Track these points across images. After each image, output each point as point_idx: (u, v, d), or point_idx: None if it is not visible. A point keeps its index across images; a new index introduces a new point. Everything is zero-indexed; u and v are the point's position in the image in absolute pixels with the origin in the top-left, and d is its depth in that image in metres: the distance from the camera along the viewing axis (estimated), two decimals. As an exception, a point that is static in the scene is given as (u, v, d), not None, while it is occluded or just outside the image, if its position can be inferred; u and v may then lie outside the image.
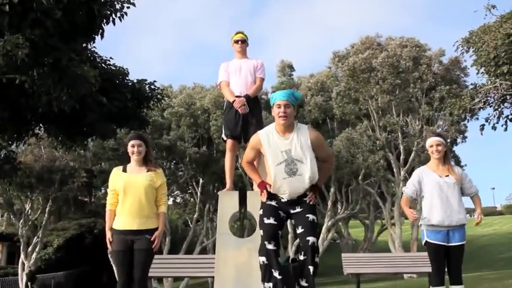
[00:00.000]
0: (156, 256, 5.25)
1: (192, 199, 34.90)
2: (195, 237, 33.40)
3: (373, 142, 28.18)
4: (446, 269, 5.26)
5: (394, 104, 28.21)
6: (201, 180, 31.29)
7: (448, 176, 5.31)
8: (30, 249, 27.35)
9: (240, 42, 6.46)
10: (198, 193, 31.39)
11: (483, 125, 15.60)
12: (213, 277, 6.12)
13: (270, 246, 4.26)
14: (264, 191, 4.58)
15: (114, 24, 12.67)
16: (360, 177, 29.22)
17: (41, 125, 15.17)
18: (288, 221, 4.82)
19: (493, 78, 14.61)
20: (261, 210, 4.57)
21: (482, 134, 15.72)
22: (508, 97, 15.27)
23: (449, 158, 5.53)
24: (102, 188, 35.48)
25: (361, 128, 28.65)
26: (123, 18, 12.72)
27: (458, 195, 5.31)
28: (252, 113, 6.15)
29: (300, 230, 4.39)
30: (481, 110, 16.65)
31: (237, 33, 6.53)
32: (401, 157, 28.37)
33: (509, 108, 15.63)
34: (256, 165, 5.03)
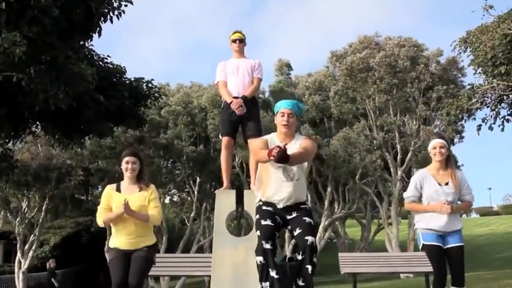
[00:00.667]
0: (152, 255, 5.22)
1: (189, 198, 34.89)
2: (191, 236, 33.39)
3: (370, 142, 28.20)
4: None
5: (392, 104, 28.23)
6: (198, 179, 31.27)
7: (447, 184, 5.25)
8: (26, 247, 27.28)
9: (237, 41, 6.42)
10: (195, 192, 31.37)
11: (480, 125, 15.63)
12: (209, 276, 6.12)
13: (267, 246, 4.26)
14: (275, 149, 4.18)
15: (111, 22, 12.68)
16: (357, 177, 29.24)
17: (38, 122, 15.15)
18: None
19: (490, 78, 14.63)
20: (257, 215, 4.57)
21: (479, 134, 15.75)
22: (505, 97, 15.30)
23: (451, 161, 5.47)
24: (99, 186, 35.46)
25: (359, 128, 28.66)
26: (120, 16, 12.72)
27: (456, 203, 5.31)
28: (250, 113, 6.15)
29: (297, 231, 4.39)
30: (478, 110, 16.69)
31: (234, 32, 6.49)
32: (399, 157, 28.39)
33: (506, 108, 15.67)
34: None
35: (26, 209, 27.95)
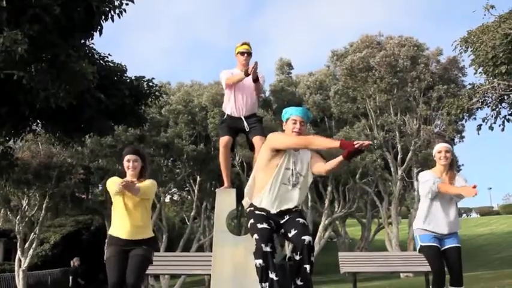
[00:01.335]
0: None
1: (189, 197, 34.92)
2: (192, 235, 33.42)
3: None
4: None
5: (392, 103, 28.24)
6: (198, 178, 31.29)
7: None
8: (27, 245, 27.28)
9: (245, 54, 6.30)
10: (195, 191, 31.39)
11: (480, 125, 15.63)
12: (209, 275, 6.12)
13: (267, 249, 4.23)
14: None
15: (112, 20, 12.67)
16: (357, 176, 29.24)
17: (38, 121, 15.15)
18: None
19: (491, 78, 14.63)
20: (251, 219, 4.50)
21: (479, 134, 15.75)
22: (505, 97, 15.30)
23: (454, 166, 5.49)
24: (100, 185, 35.46)
25: (359, 127, 28.68)
26: (121, 15, 12.71)
27: (455, 208, 5.35)
28: (255, 127, 6.16)
29: (293, 232, 4.36)
30: (479, 110, 16.69)
31: (242, 44, 6.35)
32: (399, 156, 28.41)
33: (506, 108, 15.66)
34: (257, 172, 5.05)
35: (26, 207, 27.96)
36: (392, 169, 28.35)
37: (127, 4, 12.75)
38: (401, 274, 22.49)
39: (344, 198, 31.92)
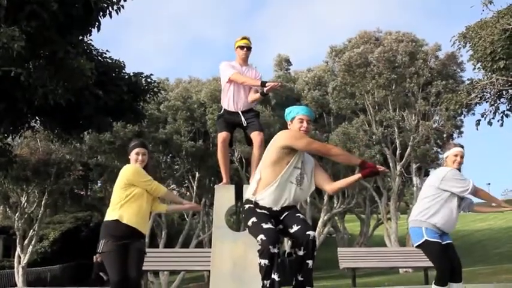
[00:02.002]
0: (152, 250, 5.22)
1: (188, 193, 34.89)
2: (191, 231, 33.44)
3: (369, 137, 28.21)
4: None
5: (390, 99, 28.23)
6: (197, 174, 31.29)
7: None
8: (26, 242, 27.30)
9: (245, 49, 6.28)
10: (194, 187, 31.40)
11: (479, 120, 15.64)
12: (209, 271, 6.13)
13: (275, 250, 4.21)
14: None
15: (110, 17, 12.64)
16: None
17: (37, 117, 15.16)
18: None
19: (490, 73, 14.63)
20: (253, 217, 4.42)
21: (477, 129, 15.78)
22: (504, 92, 15.31)
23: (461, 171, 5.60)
24: (99, 182, 35.49)
25: (358, 123, 28.67)
26: (119, 11, 12.69)
27: (458, 209, 5.45)
28: (253, 123, 6.15)
29: (295, 228, 4.34)
30: (477, 105, 16.72)
31: (242, 38, 6.33)
32: (398, 152, 28.42)
33: (505, 103, 15.68)
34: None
35: (26, 204, 27.96)
36: (391, 165, 28.36)
37: (125, 0, 12.73)
38: (400, 269, 22.51)
39: (343, 193, 31.94)
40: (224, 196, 5.95)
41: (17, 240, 27.39)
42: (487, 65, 14.11)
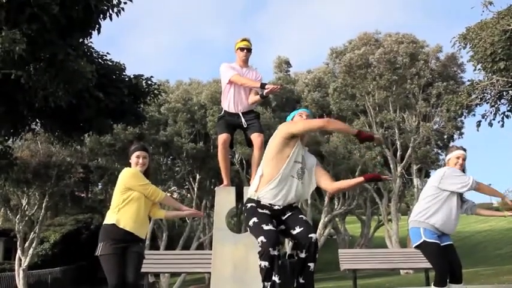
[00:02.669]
0: (152, 252, 5.19)
1: (188, 195, 34.91)
2: (191, 233, 33.42)
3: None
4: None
5: (391, 100, 28.23)
6: (197, 176, 31.28)
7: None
8: (27, 244, 27.30)
9: (245, 50, 6.29)
10: (195, 189, 31.39)
11: (479, 121, 15.63)
12: (209, 273, 6.13)
13: (275, 252, 4.21)
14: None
15: (111, 19, 12.67)
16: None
17: (37, 120, 15.16)
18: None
19: (490, 74, 14.62)
20: (254, 217, 4.41)
21: (478, 130, 15.76)
22: (504, 93, 15.30)
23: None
24: (99, 184, 35.48)
25: (358, 124, 28.65)
26: (120, 13, 12.71)
27: (460, 210, 5.46)
28: (253, 124, 6.16)
29: (298, 229, 4.33)
30: (478, 106, 16.70)
31: (242, 40, 6.34)
32: (398, 153, 28.41)
33: (505, 104, 15.66)
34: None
35: (26, 206, 27.97)
36: (391, 166, 28.36)
37: (125, 3, 12.75)
38: (401, 271, 22.50)
39: (344, 195, 31.92)
40: (225, 198, 5.95)
41: (18, 243, 27.39)
42: (487, 66, 14.10)
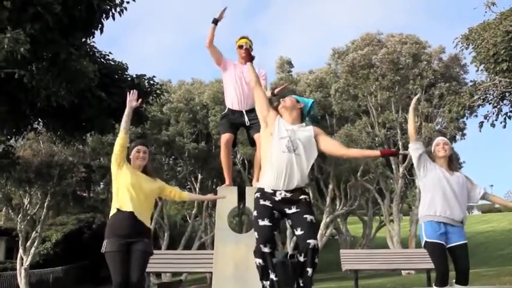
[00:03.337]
0: (154, 251, 5.17)
1: (190, 194, 34.91)
2: (193, 233, 33.43)
3: (372, 138, 28.18)
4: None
5: (393, 101, 28.21)
6: (199, 176, 31.31)
7: (453, 175, 5.29)
8: (28, 244, 27.32)
9: (244, 48, 6.36)
10: (197, 189, 31.40)
11: (482, 122, 15.61)
12: (211, 272, 6.13)
13: (266, 250, 4.21)
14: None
15: (113, 19, 12.68)
16: (358, 174, 29.23)
17: (39, 119, 15.17)
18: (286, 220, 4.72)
19: (493, 75, 14.60)
20: (255, 211, 4.46)
21: (480, 131, 15.73)
22: (507, 94, 15.27)
23: (454, 162, 5.49)
24: (101, 183, 35.50)
25: (360, 125, 28.64)
26: (122, 13, 12.72)
27: (463, 193, 5.26)
28: (255, 123, 6.17)
29: (299, 232, 4.33)
30: (480, 107, 16.66)
31: (241, 37, 6.39)
32: (400, 154, 28.33)
33: (508, 105, 15.63)
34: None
35: (28, 205, 28.00)
36: (393, 166, 28.33)
37: (128, 2, 12.76)
38: (402, 271, 22.47)
39: (345, 195, 31.91)
40: (227, 198, 5.95)
41: (20, 242, 27.43)
42: (490, 66, 14.08)
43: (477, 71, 14.93)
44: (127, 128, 5.19)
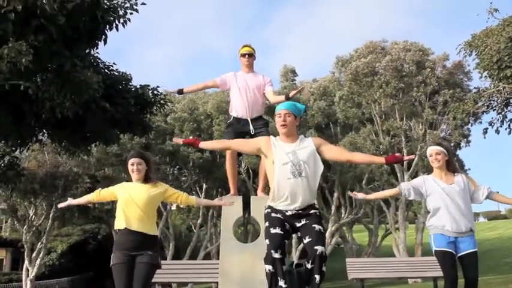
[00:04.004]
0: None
1: (195, 204, 34.85)
2: (198, 243, 33.38)
3: (376, 146, 28.13)
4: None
5: (397, 108, 28.18)
6: (204, 186, 31.30)
7: (453, 183, 5.22)
8: (34, 255, 27.34)
9: (247, 56, 6.35)
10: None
11: (486, 129, 15.59)
12: (217, 282, 6.11)
13: (277, 255, 4.23)
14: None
15: (117, 30, 12.70)
16: (363, 182, 29.16)
17: (44, 130, 15.20)
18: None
19: (496, 81, 14.59)
20: (266, 222, 4.52)
21: (485, 138, 15.71)
22: (511, 100, 15.25)
23: (453, 165, 5.41)
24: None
25: (365, 132, 28.62)
26: (126, 24, 12.75)
27: (466, 202, 5.19)
28: (260, 133, 6.17)
29: (307, 240, 4.35)
30: (485, 113, 16.65)
31: (244, 46, 6.41)
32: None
33: (512, 111, 15.62)
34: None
35: (33, 216, 28.03)
36: (398, 174, 28.26)
37: (131, 13, 12.80)
38: (409, 280, 22.36)
39: (350, 204, 31.83)
40: (232, 207, 5.94)
41: (25, 253, 27.44)
42: (493, 73, 14.07)
43: (481, 77, 14.93)
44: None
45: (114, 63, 15.30)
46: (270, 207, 4.61)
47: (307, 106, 30.73)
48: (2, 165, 17.08)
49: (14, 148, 15.66)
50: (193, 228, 35.67)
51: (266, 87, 6.32)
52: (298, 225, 4.49)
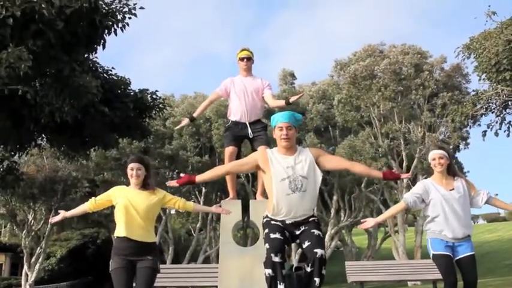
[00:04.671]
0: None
1: (194, 208, 34.85)
2: (198, 247, 33.36)
3: (375, 149, 28.14)
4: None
5: (396, 111, 28.20)
6: (203, 189, 31.28)
7: (453, 189, 5.20)
8: (33, 259, 27.31)
9: (245, 59, 6.33)
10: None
11: (485, 131, 15.63)
12: (216, 286, 6.11)
13: (277, 259, 4.23)
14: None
15: (116, 34, 12.72)
16: (362, 185, 29.17)
17: (43, 135, 15.20)
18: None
19: (495, 84, 14.62)
20: (266, 229, 4.52)
21: (484, 140, 15.75)
22: (509, 103, 15.28)
23: (453, 170, 5.39)
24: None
25: (363, 136, 28.62)
26: (124, 28, 12.77)
27: (465, 208, 5.17)
28: (259, 136, 6.17)
29: (306, 244, 4.36)
30: (483, 116, 16.68)
31: (242, 50, 6.41)
32: (404, 164, 28.32)
33: (511, 114, 15.64)
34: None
35: (32, 221, 28.00)
36: (397, 177, 28.24)
37: (130, 18, 12.81)
38: (408, 282, 22.35)
39: (350, 207, 31.83)
40: (231, 211, 5.94)
41: (24, 258, 27.40)
42: (492, 75, 14.10)
43: (479, 80, 14.96)
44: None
45: (112, 68, 15.33)
46: (269, 217, 4.61)
47: (306, 109, 30.78)
48: (1, 170, 17.08)
49: (13, 153, 15.66)
50: (192, 232, 35.64)
51: (265, 90, 6.31)
52: (297, 232, 4.50)
